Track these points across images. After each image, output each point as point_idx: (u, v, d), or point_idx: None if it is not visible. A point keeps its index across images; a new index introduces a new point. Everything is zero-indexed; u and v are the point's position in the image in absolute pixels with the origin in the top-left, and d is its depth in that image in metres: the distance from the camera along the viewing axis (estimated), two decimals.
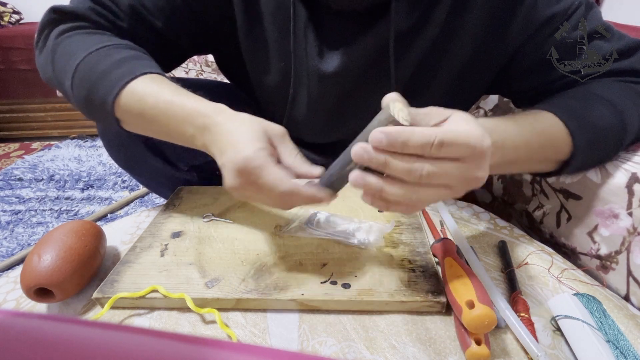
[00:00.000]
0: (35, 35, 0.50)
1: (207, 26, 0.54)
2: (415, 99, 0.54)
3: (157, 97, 0.41)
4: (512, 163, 0.41)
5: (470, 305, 0.33)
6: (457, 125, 0.31)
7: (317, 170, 0.37)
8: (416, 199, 0.32)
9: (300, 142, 0.66)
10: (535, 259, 0.45)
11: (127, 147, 0.60)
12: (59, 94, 0.49)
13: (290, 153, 0.38)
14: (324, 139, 0.63)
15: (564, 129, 0.41)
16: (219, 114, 0.38)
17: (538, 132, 0.41)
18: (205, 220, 0.51)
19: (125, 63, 0.44)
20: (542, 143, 0.41)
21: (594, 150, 0.43)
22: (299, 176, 0.37)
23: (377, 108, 0.60)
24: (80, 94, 0.45)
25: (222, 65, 0.64)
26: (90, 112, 0.47)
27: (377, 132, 0.30)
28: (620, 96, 0.44)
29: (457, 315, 0.34)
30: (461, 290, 0.35)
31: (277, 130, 0.38)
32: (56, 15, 0.48)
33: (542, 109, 0.43)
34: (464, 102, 0.59)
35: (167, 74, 0.47)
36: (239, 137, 0.36)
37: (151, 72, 0.43)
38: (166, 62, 0.58)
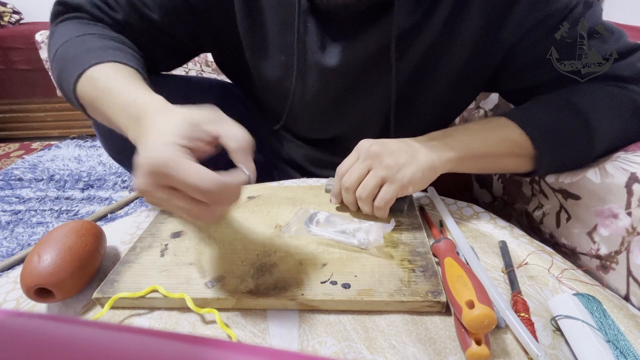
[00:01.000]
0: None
1: (206, 19, 0.54)
2: (415, 97, 0.55)
3: (107, 83, 0.40)
4: (476, 157, 0.46)
5: (470, 305, 0.33)
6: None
7: (251, 168, 0.34)
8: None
9: (297, 137, 0.66)
10: (535, 259, 0.45)
11: (119, 137, 0.61)
12: (59, 93, 0.50)
13: (235, 136, 0.33)
14: (321, 135, 0.63)
15: (519, 129, 0.46)
16: (154, 107, 0.35)
17: (493, 129, 0.47)
18: None
19: (97, 51, 0.44)
20: (499, 138, 0.46)
21: (559, 149, 0.46)
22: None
23: (377, 104, 0.61)
24: (54, 77, 0.48)
25: (220, 62, 0.64)
26: (65, 96, 0.48)
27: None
28: (592, 100, 0.46)
29: (457, 315, 0.34)
30: (461, 290, 0.35)
31: (209, 114, 0.34)
32: (60, 7, 0.51)
33: (501, 114, 0.49)
34: (463, 99, 0.59)
35: (152, 72, 0.48)
36: (159, 132, 0.32)
37: (120, 62, 0.43)
38: (166, 58, 0.58)
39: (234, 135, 0.33)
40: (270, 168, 0.76)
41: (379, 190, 0.46)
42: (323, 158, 0.66)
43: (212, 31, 0.55)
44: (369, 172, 0.46)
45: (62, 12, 0.51)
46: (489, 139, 0.47)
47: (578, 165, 0.48)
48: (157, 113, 0.34)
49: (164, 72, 0.64)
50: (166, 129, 0.31)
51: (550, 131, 0.46)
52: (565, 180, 0.50)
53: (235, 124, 0.34)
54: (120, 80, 0.40)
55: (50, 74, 0.52)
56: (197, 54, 0.63)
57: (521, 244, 0.47)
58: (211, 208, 0.31)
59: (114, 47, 0.46)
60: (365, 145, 0.47)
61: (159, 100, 0.37)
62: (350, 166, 0.47)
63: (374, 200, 0.46)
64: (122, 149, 0.62)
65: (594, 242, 0.47)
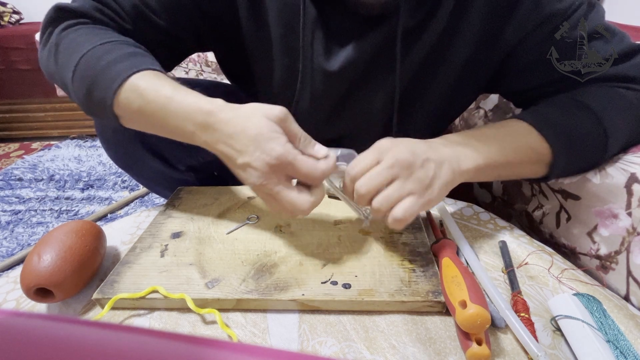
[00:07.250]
0: (39, 33, 0.50)
1: (212, 23, 0.53)
2: (417, 96, 0.55)
3: (158, 92, 0.40)
4: (493, 167, 0.43)
5: (463, 305, 0.33)
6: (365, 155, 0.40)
7: (322, 150, 0.38)
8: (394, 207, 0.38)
9: None
10: (535, 259, 0.45)
11: (125, 147, 0.60)
12: (59, 93, 0.49)
13: (297, 134, 0.38)
14: (325, 135, 0.63)
15: (537, 134, 0.44)
16: (221, 111, 0.38)
17: (510, 135, 0.45)
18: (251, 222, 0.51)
19: (128, 58, 0.43)
20: (517, 145, 0.44)
21: (575, 154, 0.45)
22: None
23: (379, 104, 0.61)
24: (80, 87, 0.44)
25: (224, 64, 0.64)
26: (89, 107, 0.46)
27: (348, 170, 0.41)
28: (603, 102, 0.45)
29: (453, 315, 0.35)
30: (454, 291, 0.35)
31: (280, 113, 0.37)
32: (60, 13, 0.48)
33: (516, 117, 0.47)
34: (464, 99, 0.59)
35: (168, 73, 0.47)
36: (258, 134, 0.36)
37: (153, 69, 0.43)
38: (168, 59, 0.58)
39: (298, 132, 0.38)
40: None
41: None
42: None
43: (216, 31, 0.55)
44: (392, 180, 0.38)
45: (59, 18, 0.48)
46: (507, 146, 0.44)
47: (589, 169, 0.47)
48: (235, 114, 0.38)
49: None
50: (264, 128, 0.36)
51: (567, 136, 0.44)
52: (565, 180, 0.50)
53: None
54: (169, 89, 0.41)
55: (62, 79, 0.47)
56: (196, 52, 0.63)
57: (521, 244, 0.47)
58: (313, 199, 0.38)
59: (141, 54, 0.46)
60: (390, 148, 0.39)
61: (223, 103, 0.39)
62: (368, 168, 0.39)
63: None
64: (126, 157, 0.62)
65: (594, 242, 0.47)
